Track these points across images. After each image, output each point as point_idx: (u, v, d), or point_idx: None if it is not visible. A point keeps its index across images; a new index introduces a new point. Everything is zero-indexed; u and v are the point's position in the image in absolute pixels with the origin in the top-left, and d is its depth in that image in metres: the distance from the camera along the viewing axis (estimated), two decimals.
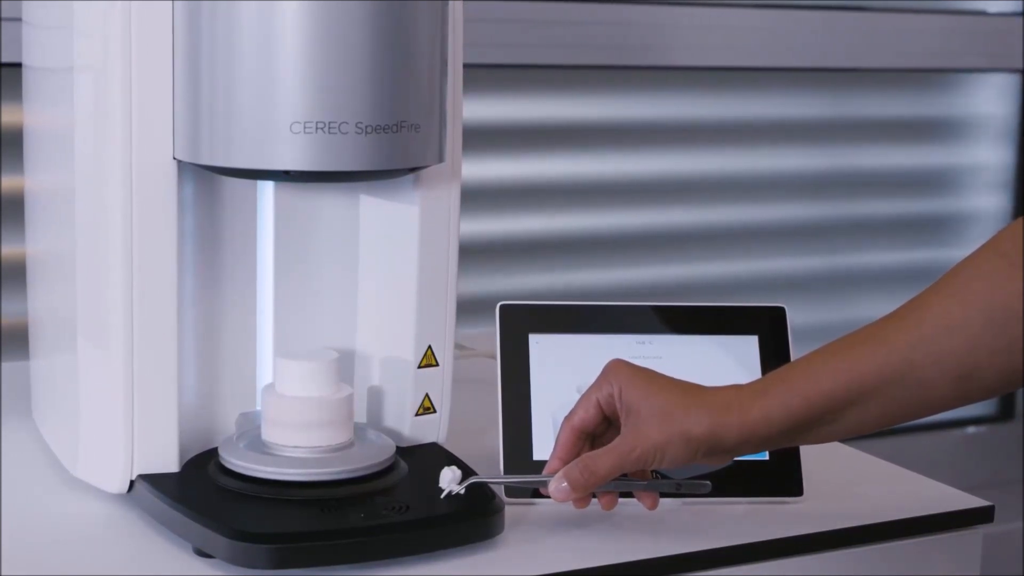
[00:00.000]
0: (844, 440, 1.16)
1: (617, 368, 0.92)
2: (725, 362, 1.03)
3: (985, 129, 2.00)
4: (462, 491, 0.91)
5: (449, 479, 0.92)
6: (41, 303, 1.08)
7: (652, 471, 0.93)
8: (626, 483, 0.93)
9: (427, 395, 1.02)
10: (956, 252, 1.98)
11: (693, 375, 1.02)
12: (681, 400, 0.89)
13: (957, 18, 1.90)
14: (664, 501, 0.98)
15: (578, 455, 0.92)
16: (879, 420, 0.88)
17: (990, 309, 0.83)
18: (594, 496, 0.93)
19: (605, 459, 0.89)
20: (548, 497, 0.92)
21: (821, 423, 0.88)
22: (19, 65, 1.10)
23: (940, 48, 1.88)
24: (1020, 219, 0.86)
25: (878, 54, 1.84)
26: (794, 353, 1.04)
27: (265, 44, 0.86)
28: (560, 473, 0.91)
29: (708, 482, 0.94)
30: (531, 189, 1.70)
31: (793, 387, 0.87)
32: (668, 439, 0.88)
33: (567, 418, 0.93)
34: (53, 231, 1.02)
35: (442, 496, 0.91)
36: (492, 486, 0.94)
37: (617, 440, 0.90)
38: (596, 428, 0.93)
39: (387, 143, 0.88)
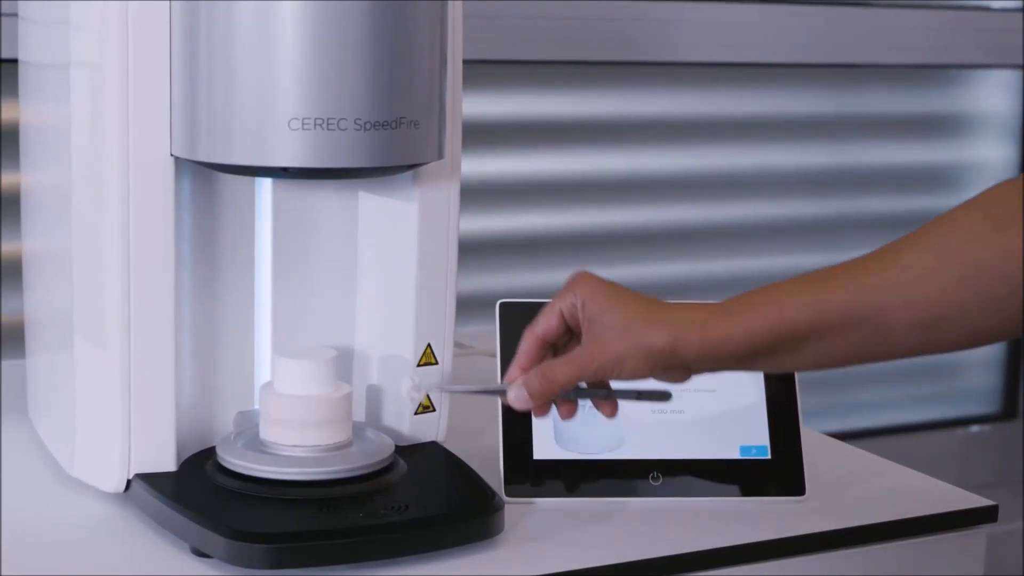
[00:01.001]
0: (844, 439, 1.17)
1: (582, 279, 0.92)
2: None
3: (988, 125, 1.99)
4: (422, 398, 0.91)
5: (408, 387, 0.92)
6: (38, 301, 1.08)
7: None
8: (585, 392, 0.92)
9: (427, 393, 1.01)
10: None
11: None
12: (643, 313, 0.89)
13: (960, 14, 1.89)
14: (665, 500, 0.98)
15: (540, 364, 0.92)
16: (840, 357, 0.88)
17: (965, 263, 0.83)
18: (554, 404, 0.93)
19: (564, 368, 0.89)
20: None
21: (782, 352, 0.87)
22: (15, 61, 1.09)
23: (943, 44, 1.87)
24: (1007, 180, 0.86)
25: (881, 50, 1.84)
26: None
27: (263, 40, 0.86)
28: (519, 381, 0.91)
29: (668, 390, 0.94)
30: (531, 186, 1.70)
31: (758, 311, 0.87)
32: (628, 351, 0.88)
33: (530, 327, 0.93)
34: (50, 228, 1.02)
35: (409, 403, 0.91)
36: (491, 484, 0.94)
37: (577, 350, 0.90)
38: (559, 338, 0.93)
39: (386, 140, 0.88)
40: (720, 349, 0.87)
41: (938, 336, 0.85)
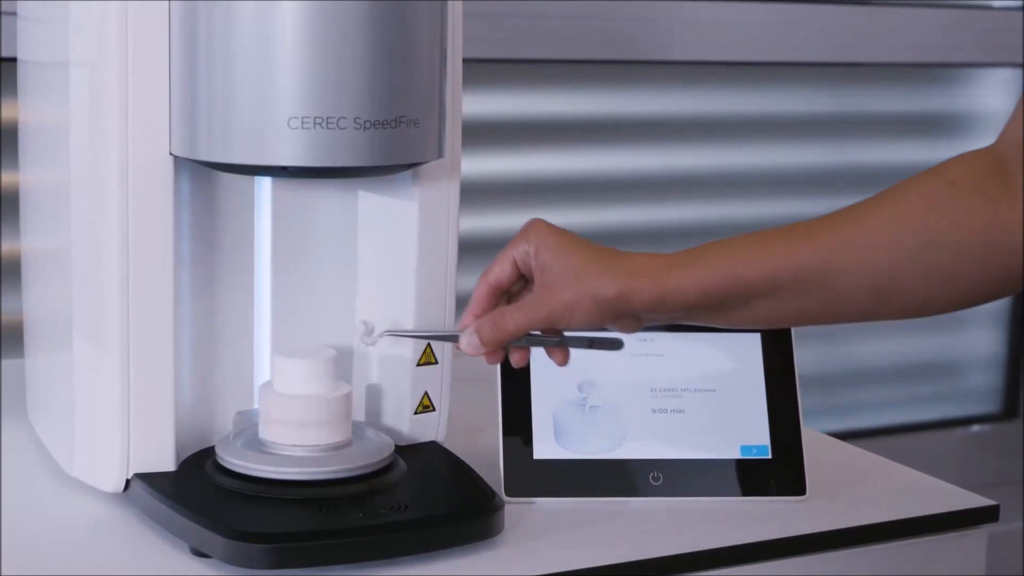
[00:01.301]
0: (845, 439, 1.17)
1: (535, 227, 0.92)
2: (728, 360, 1.03)
3: (989, 124, 1.99)
4: (373, 343, 0.92)
5: (361, 332, 0.92)
6: (37, 300, 1.08)
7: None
8: (537, 339, 0.92)
9: (426, 393, 1.01)
10: None
11: (695, 373, 1.02)
12: (594, 262, 0.89)
13: (961, 12, 1.89)
14: (665, 500, 0.98)
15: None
16: (790, 316, 0.88)
17: (921, 232, 0.84)
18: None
19: (515, 315, 0.90)
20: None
21: (733, 307, 0.88)
22: (14, 60, 1.09)
23: (944, 42, 1.87)
24: (973, 150, 0.86)
25: (881, 49, 1.84)
26: (797, 352, 1.04)
27: (262, 38, 0.86)
28: (471, 327, 0.91)
29: (620, 338, 0.94)
30: (531, 185, 1.70)
31: (710, 265, 0.87)
32: (578, 299, 0.88)
33: (484, 274, 0.93)
34: (49, 228, 1.02)
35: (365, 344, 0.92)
36: (492, 484, 0.94)
37: (528, 297, 0.91)
38: (512, 285, 0.93)
39: (386, 138, 0.88)
40: (670, 300, 0.87)
41: (889, 302, 0.85)
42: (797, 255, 0.86)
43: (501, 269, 0.92)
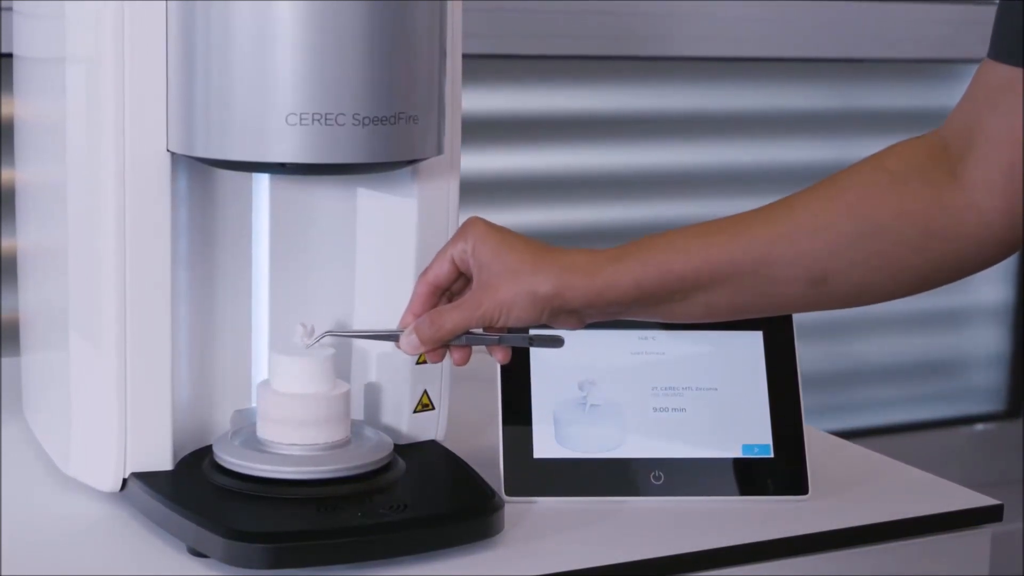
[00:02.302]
0: (848, 438, 1.16)
1: (473, 225, 0.92)
2: (729, 359, 1.03)
3: None
4: (314, 343, 0.93)
5: (300, 333, 0.93)
6: (33, 298, 1.07)
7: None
8: (477, 337, 0.92)
9: (425, 391, 1.01)
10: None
11: (696, 372, 1.02)
12: (530, 259, 0.89)
13: (963, 8, 1.88)
14: (666, 500, 0.98)
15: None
16: (729, 308, 0.88)
17: (859, 218, 0.84)
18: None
19: (452, 314, 0.90)
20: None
21: (670, 300, 0.88)
22: (10, 56, 1.09)
23: (947, 38, 1.87)
24: (913, 138, 0.86)
25: (884, 44, 1.83)
26: (799, 350, 1.03)
27: (260, 34, 0.86)
28: (411, 327, 0.91)
29: (560, 336, 0.94)
30: (531, 182, 1.70)
31: (646, 259, 0.87)
32: (514, 296, 0.88)
33: (423, 273, 0.93)
34: (45, 224, 1.01)
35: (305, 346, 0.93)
36: (491, 483, 0.93)
37: (466, 296, 0.91)
38: (451, 284, 0.93)
39: (385, 135, 0.88)
40: (606, 295, 0.87)
41: (825, 291, 0.86)
42: (733, 247, 0.86)
43: (439, 268, 0.92)
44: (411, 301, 0.93)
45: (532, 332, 0.93)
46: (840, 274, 0.84)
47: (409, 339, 0.91)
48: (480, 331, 0.92)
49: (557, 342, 0.94)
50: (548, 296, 0.88)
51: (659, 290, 0.87)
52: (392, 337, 0.93)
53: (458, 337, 0.91)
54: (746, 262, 0.85)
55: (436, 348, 0.91)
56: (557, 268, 0.88)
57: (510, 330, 0.92)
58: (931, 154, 0.84)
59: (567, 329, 0.91)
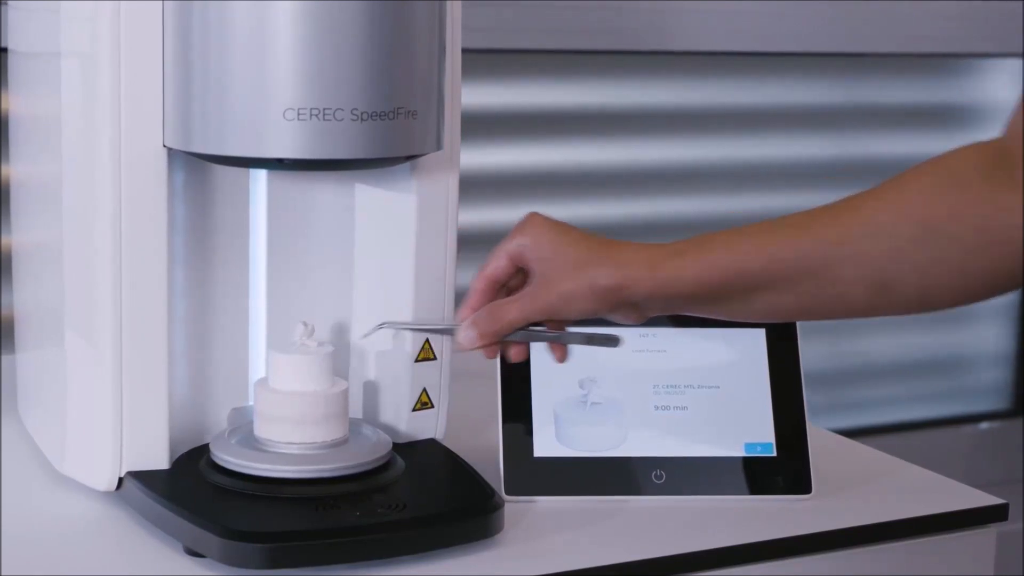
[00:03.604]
0: (851, 436, 1.16)
1: (532, 220, 0.92)
2: (732, 356, 1.02)
3: (996, 115, 1.98)
4: (371, 334, 0.94)
5: (301, 332, 0.93)
6: (27, 295, 1.07)
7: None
8: (535, 333, 0.92)
9: (424, 390, 1.01)
10: None
11: (699, 370, 1.01)
12: (592, 252, 0.89)
13: (967, 3, 1.88)
14: (668, 499, 0.98)
15: None
16: (792, 310, 0.88)
17: (921, 221, 0.83)
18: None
19: (512, 307, 0.90)
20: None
21: (731, 299, 0.88)
22: (4, 50, 1.08)
23: (952, 33, 1.86)
24: (975, 143, 0.85)
25: (887, 39, 1.83)
26: (802, 348, 1.03)
27: (258, 28, 0.85)
28: (469, 320, 0.91)
29: (618, 335, 0.94)
30: (531, 178, 1.69)
31: (710, 255, 0.87)
32: (576, 288, 0.88)
33: (481, 268, 0.93)
34: (40, 221, 1.01)
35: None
36: (491, 483, 0.93)
37: (526, 289, 0.91)
38: (509, 279, 0.93)
39: (383, 130, 0.87)
40: (669, 289, 0.87)
41: (889, 297, 0.85)
42: (796, 246, 0.85)
43: (497, 263, 0.92)
44: (468, 296, 0.93)
45: (590, 330, 0.93)
46: (903, 279, 0.83)
47: (468, 333, 0.91)
48: (539, 328, 0.91)
49: (614, 341, 0.94)
50: (610, 288, 0.87)
51: (722, 286, 0.87)
52: (448, 331, 0.93)
53: (515, 332, 0.90)
54: (808, 261, 0.85)
55: (493, 343, 0.91)
56: (619, 261, 0.88)
57: (579, 337, 0.93)
58: (992, 159, 0.83)
59: (628, 323, 0.91)
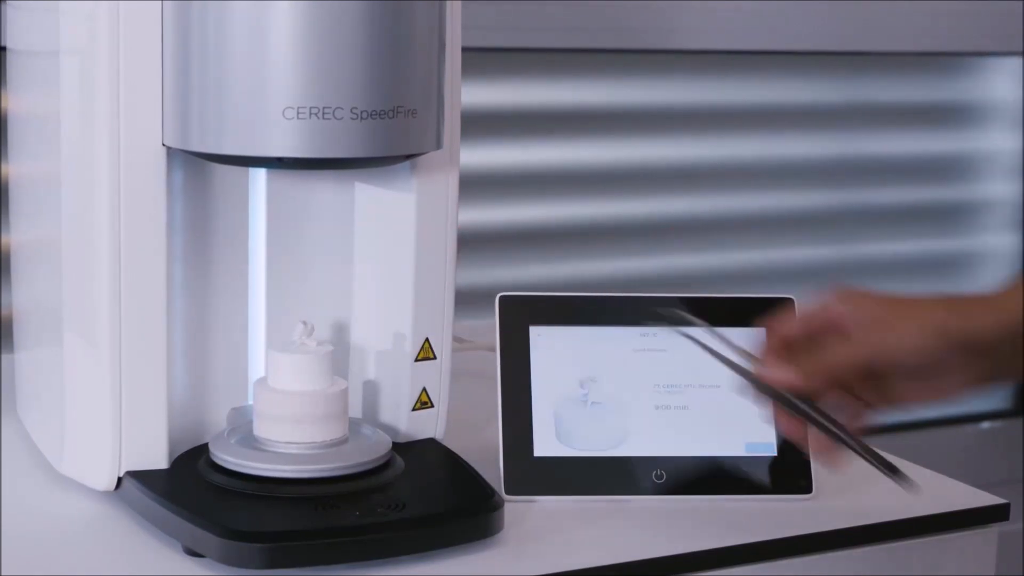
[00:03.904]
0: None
1: (836, 289, 0.87)
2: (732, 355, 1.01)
3: (998, 114, 1.98)
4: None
5: (300, 332, 0.91)
6: (26, 294, 1.07)
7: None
8: (821, 422, 0.86)
9: (424, 389, 1.00)
10: (968, 240, 1.96)
11: (698, 369, 1.01)
12: (914, 299, 0.84)
13: (969, 2, 1.88)
14: (668, 499, 0.97)
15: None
16: None
17: None
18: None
19: (839, 348, 0.84)
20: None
21: None
22: (3, 49, 1.08)
23: (952, 32, 1.86)
24: None
25: (889, 38, 1.83)
26: None
27: (257, 26, 0.85)
28: (782, 360, 0.86)
29: (915, 482, 0.88)
30: (531, 176, 1.69)
31: None
32: (909, 325, 0.82)
33: (770, 327, 0.89)
34: (38, 220, 1.01)
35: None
36: (491, 482, 0.93)
37: (854, 334, 0.84)
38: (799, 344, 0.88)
39: (383, 129, 0.87)
40: (1015, 318, 0.81)
41: None
42: None
43: (791, 322, 0.87)
44: (764, 352, 0.88)
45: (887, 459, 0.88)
46: None
47: (782, 373, 0.85)
48: (838, 430, 0.86)
49: (912, 485, 0.88)
50: (947, 321, 0.81)
51: None
52: (757, 363, 0.88)
53: (810, 403, 0.85)
54: None
55: (812, 385, 0.85)
56: (947, 301, 0.83)
57: (867, 450, 0.86)
58: None
59: (971, 387, 0.85)
